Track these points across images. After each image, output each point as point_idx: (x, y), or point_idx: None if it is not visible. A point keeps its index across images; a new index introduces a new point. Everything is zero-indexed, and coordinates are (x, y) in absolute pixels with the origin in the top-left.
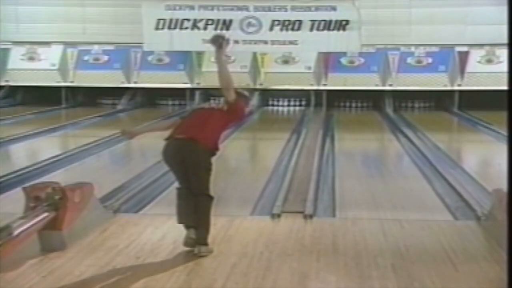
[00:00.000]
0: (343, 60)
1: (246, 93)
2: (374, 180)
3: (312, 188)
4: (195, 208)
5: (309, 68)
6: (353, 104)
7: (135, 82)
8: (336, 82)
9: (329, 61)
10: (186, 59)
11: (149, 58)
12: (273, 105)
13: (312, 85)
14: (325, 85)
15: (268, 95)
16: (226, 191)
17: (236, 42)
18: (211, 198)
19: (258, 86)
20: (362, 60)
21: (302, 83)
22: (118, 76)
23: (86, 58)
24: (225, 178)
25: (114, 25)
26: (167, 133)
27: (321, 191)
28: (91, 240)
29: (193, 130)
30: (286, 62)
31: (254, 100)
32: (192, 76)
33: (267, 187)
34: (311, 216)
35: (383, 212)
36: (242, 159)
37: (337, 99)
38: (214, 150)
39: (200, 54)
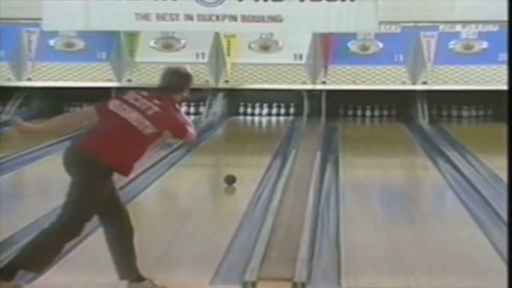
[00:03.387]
0: (352, 46)
1: (186, 71)
2: (399, 228)
3: (305, 241)
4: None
5: (300, 57)
6: (367, 112)
7: (29, 79)
8: (341, 79)
9: (330, 47)
10: (111, 44)
11: (52, 42)
12: (245, 114)
13: (304, 82)
14: (324, 82)
15: (238, 99)
16: (175, 247)
17: (189, 18)
18: (69, 229)
19: (222, 85)
20: (381, 45)
21: (289, 80)
22: (1, 70)
23: None
24: (173, 226)
25: None
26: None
27: (319, 246)
28: None
29: (108, 149)
30: (265, 48)
31: (217, 107)
32: (120, 69)
33: (236, 240)
34: (303, 285)
35: (414, 279)
36: (198, 196)
37: (342, 105)
38: (127, 174)
39: (132, 36)
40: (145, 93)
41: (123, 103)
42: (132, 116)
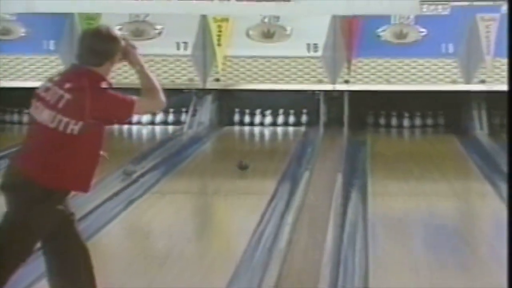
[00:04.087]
0: (384, 32)
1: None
2: (448, 277)
3: None
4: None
5: (315, 48)
6: (405, 122)
7: None
8: (370, 76)
9: (355, 34)
10: (61, 31)
11: None
12: (242, 123)
13: (321, 81)
14: (347, 81)
15: (232, 103)
16: None
17: None
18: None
19: (211, 85)
20: (424, 31)
21: (300, 78)
22: None
23: None
24: (145, 273)
25: None
26: None
27: None
28: None
29: (40, 166)
30: (268, 36)
31: (204, 114)
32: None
33: None
34: None
35: None
36: (179, 234)
37: (372, 111)
38: (84, 190)
39: (90, 20)
40: (57, 77)
41: (36, 100)
42: (45, 116)
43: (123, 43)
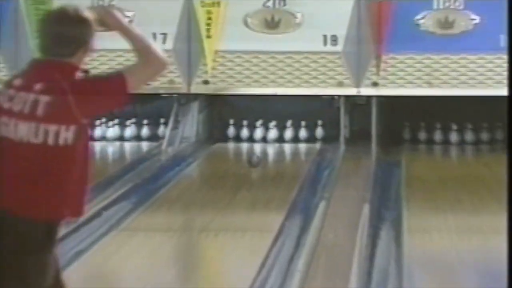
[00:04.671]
0: (424, 20)
1: None
2: None
3: None
4: None
5: (334, 40)
6: (452, 136)
7: None
8: (406, 78)
9: (386, 23)
10: (1, 19)
11: None
12: (238, 139)
13: (341, 84)
14: (376, 84)
15: (225, 112)
16: None
17: None
18: None
19: (198, 88)
20: (476, 19)
21: (315, 80)
22: None
23: None
24: None
25: None
26: None
27: None
28: None
29: (24, 198)
30: (272, 25)
31: (189, 127)
32: (19, 63)
33: None
34: None
35: None
36: (158, 283)
37: (408, 123)
38: (79, 215)
39: (40, 5)
40: (17, 80)
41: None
42: (23, 131)
43: (98, 11)
